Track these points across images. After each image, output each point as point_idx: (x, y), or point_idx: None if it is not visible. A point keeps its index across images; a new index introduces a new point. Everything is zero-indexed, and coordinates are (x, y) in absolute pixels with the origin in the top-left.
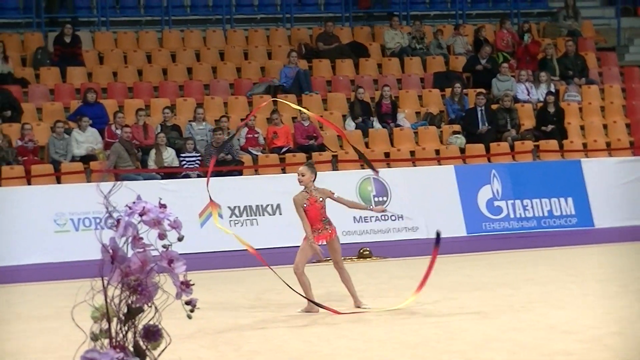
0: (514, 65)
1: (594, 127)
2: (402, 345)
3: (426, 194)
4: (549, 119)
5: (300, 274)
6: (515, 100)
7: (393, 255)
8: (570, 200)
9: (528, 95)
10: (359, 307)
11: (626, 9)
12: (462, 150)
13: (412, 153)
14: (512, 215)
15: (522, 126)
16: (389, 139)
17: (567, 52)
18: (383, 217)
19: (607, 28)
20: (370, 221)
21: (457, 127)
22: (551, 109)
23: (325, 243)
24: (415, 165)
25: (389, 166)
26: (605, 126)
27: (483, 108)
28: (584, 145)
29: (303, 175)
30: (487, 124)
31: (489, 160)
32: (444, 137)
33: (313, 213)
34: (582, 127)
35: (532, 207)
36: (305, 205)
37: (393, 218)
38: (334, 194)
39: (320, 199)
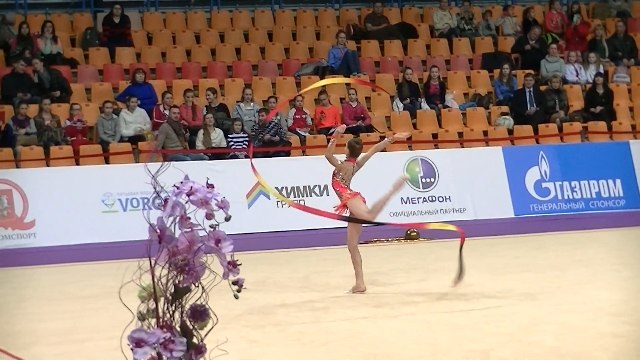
0: (562, 46)
1: None
2: (449, 326)
3: (474, 176)
4: (598, 100)
5: (353, 249)
6: (564, 81)
7: (440, 237)
8: (618, 182)
9: (577, 76)
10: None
11: None
12: (510, 132)
13: (460, 134)
14: (560, 197)
15: (570, 107)
16: (437, 120)
17: (616, 32)
18: (430, 199)
19: None
20: (418, 202)
21: (505, 109)
22: (600, 90)
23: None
24: (463, 147)
25: (436, 147)
26: None
27: (531, 89)
28: (633, 126)
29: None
30: (535, 106)
31: (537, 142)
32: (492, 119)
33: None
34: (630, 109)
35: (580, 188)
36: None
37: (440, 199)
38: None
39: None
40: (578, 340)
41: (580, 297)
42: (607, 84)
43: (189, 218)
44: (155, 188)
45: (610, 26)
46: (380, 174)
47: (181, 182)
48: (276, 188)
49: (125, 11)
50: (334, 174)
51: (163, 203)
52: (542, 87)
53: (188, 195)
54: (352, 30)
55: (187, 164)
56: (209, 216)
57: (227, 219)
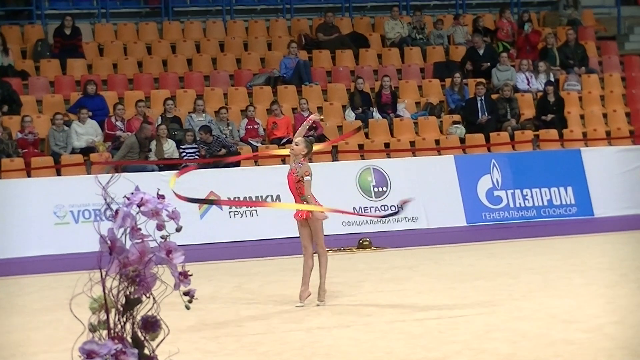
0: (514, 55)
1: (594, 116)
2: (405, 335)
3: (426, 184)
4: (549, 109)
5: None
6: (516, 89)
7: (393, 246)
8: (570, 189)
9: (528, 84)
10: (320, 301)
11: None
12: (462, 140)
13: (412, 143)
14: (511, 205)
15: (522, 116)
16: (389, 129)
17: (567, 41)
18: (383, 208)
19: (607, 17)
20: (370, 211)
21: (457, 117)
22: (551, 99)
23: (301, 219)
24: (415, 156)
25: (388, 156)
26: (605, 115)
27: (483, 98)
28: (584, 134)
29: (296, 145)
30: (487, 114)
31: (489, 150)
32: (444, 127)
33: (289, 185)
34: (582, 116)
35: (532, 196)
36: (288, 173)
37: (393, 208)
38: (303, 178)
39: (297, 174)
40: (531, 347)
41: (533, 305)
42: (559, 92)
43: (140, 229)
44: (105, 199)
45: (561, 34)
46: (333, 184)
47: (132, 193)
48: (228, 198)
49: (76, 23)
50: (305, 177)
51: (114, 214)
52: (494, 96)
53: (139, 206)
54: (304, 40)
55: (138, 175)
56: (160, 227)
57: (178, 229)
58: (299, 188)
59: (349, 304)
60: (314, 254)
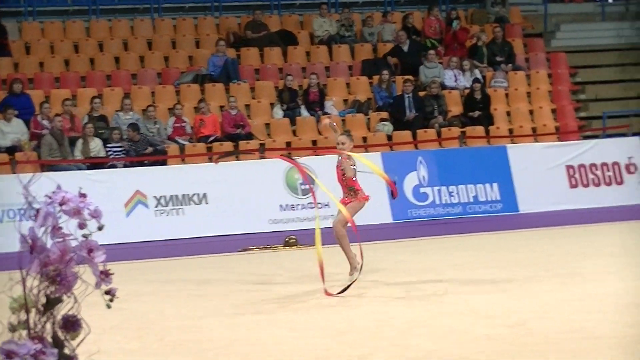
0: (442, 52)
1: (520, 113)
2: (330, 332)
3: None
4: (476, 106)
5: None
6: (443, 87)
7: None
8: (495, 185)
9: (455, 81)
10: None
11: None
12: (390, 138)
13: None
14: (438, 202)
15: (449, 113)
16: (317, 126)
17: (494, 38)
18: (310, 205)
19: (534, 14)
20: (297, 209)
21: (384, 115)
22: (478, 96)
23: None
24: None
25: (316, 154)
26: (531, 112)
27: (410, 95)
28: (510, 131)
29: (344, 144)
30: (414, 111)
31: (416, 147)
32: (371, 125)
33: (337, 177)
34: (508, 113)
35: (457, 193)
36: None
37: (320, 206)
38: (346, 171)
39: (342, 168)
40: (454, 343)
41: (458, 301)
42: (485, 89)
43: (61, 228)
44: (27, 198)
45: (489, 32)
46: (260, 181)
47: (53, 192)
48: (154, 197)
49: (2, 21)
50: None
51: (35, 213)
52: (421, 93)
53: (60, 205)
54: (232, 38)
55: (65, 174)
56: (82, 226)
57: (100, 228)
58: (345, 180)
59: (274, 300)
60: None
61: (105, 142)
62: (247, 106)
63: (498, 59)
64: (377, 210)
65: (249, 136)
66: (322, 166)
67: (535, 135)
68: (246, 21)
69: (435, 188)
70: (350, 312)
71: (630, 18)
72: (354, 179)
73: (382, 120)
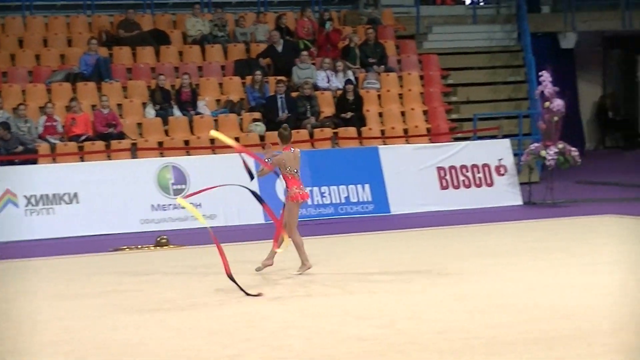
0: (314, 53)
1: (392, 114)
2: (202, 332)
3: (225, 182)
4: (348, 107)
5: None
6: (316, 87)
7: (191, 244)
8: (367, 186)
9: (328, 82)
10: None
11: None
12: (262, 138)
13: (212, 141)
14: (309, 202)
15: (321, 113)
16: (189, 126)
17: (367, 40)
18: (181, 206)
19: (406, 16)
20: (168, 209)
21: (257, 115)
22: (350, 97)
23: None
24: (214, 153)
25: (188, 154)
26: (403, 113)
27: (283, 96)
28: (382, 132)
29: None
30: (286, 112)
31: None
32: (244, 125)
33: None
34: (380, 115)
35: (329, 194)
36: None
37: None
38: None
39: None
40: (325, 343)
41: (329, 302)
42: (358, 90)
43: None
44: None
45: (361, 33)
46: (132, 181)
47: None
48: (24, 197)
49: None
50: (281, 169)
51: None
52: (294, 94)
53: None
54: (104, 37)
55: None
56: None
57: None
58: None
59: (145, 301)
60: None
61: None
62: (119, 105)
63: (370, 60)
64: (248, 211)
65: (121, 135)
66: (193, 166)
67: (407, 136)
68: (119, 20)
69: (308, 189)
70: (223, 312)
71: (501, 21)
72: (285, 177)
73: (255, 120)
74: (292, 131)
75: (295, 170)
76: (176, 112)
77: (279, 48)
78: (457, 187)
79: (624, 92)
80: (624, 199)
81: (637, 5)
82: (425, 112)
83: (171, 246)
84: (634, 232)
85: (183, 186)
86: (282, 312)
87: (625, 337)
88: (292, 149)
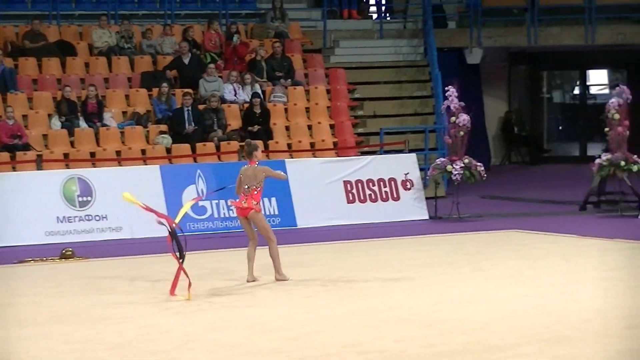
0: (221, 66)
1: (299, 127)
2: (104, 346)
3: (132, 194)
4: (255, 120)
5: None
6: (223, 100)
7: (96, 256)
8: (274, 200)
9: (235, 95)
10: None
11: (332, 12)
12: (169, 150)
13: (118, 153)
14: (216, 215)
15: (228, 126)
16: (95, 138)
17: (274, 53)
18: (87, 217)
19: (313, 30)
20: (74, 221)
21: (164, 127)
22: (257, 110)
23: None
24: (121, 165)
25: (94, 166)
26: (310, 127)
27: (190, 108)
28: (289, 145)
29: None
30: (193, 124)
31: (195, 161)
32: (150, 137)
33: None
34: (287, 128)
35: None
36: None
37: (97, 218)
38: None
39: None
40: (228, 357)
41: (234, 315)
42: (265, 103)
43: None
44: None
45: (268, 47)
46: (37, 193)
47: None
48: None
49: None
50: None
51: None
52: (201, 106)
53: None
54: (9, 47)
55: None
56: None
57: None
58: None
59: (46, 315)
60: None
61: None
62: (25, 116)
63: (277, 74)
64: (151, 224)
65: (27, 147)
66: (99, 178)
67: (314, 150)
68: (24, 31)
69: (214, 202)
70: (125, 325)
71: (407, 36)
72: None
73: (162, 133)
74: (199, 144)
75: (247, 187)
76: (82, 123)
77: (186, 60)
78: (363, 201)
79: (529, 108)
80: (528, 214)
81: (542, 22)
82: (332, 126)
83: (76, 258)
84: (537, 247)
85: (89, 198)
86: (186, 325)
87: (529, 349)
88: (257, 163)
